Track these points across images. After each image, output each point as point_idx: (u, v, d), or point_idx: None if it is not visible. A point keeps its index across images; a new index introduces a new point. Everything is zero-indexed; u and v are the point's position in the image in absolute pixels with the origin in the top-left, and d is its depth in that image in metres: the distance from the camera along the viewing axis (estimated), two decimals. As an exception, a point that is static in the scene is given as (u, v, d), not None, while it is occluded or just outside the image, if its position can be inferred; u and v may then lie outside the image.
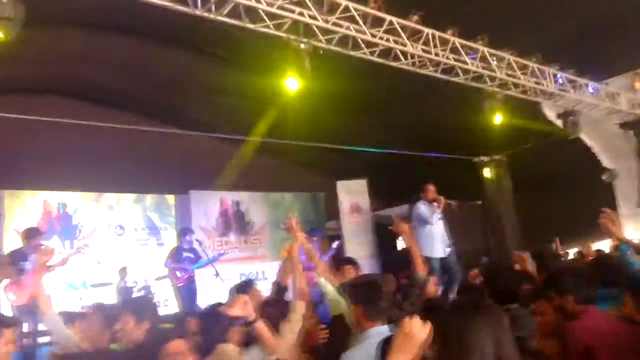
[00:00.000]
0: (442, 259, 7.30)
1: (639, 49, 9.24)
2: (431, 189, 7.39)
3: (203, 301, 9.21)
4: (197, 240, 9.74)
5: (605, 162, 11.99)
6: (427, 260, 6.79)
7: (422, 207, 7.35)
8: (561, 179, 11.45)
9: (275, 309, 3.57)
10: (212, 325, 3.49)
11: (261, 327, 3.05)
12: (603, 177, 11.83)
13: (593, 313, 2.92)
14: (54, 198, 10.52)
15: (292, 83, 6.41)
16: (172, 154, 10.65)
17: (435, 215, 7.29)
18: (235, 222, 12.10)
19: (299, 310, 3.40)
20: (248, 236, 12.24)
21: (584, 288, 3.01)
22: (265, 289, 11.62)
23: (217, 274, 9.35)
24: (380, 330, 2.82)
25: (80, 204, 10.87)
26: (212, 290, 9.64)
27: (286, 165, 13.17)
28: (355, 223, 12.24)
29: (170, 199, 11.92)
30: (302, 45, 6.10)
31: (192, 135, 10.18)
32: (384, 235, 13.17)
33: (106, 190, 11.15)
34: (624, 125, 10.85)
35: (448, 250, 7.38)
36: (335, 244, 11.11)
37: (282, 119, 8.88)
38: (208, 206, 11.85)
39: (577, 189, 11.89)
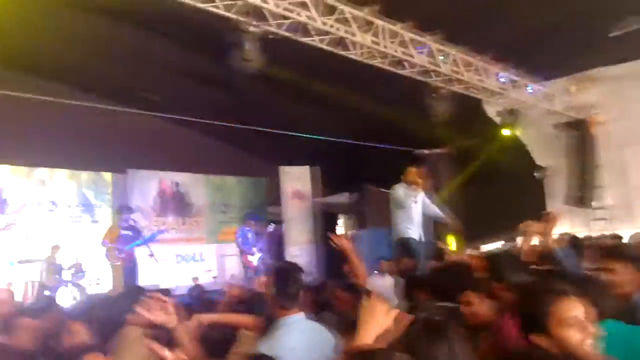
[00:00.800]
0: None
1: (576, 55, 9.65)
2: (412, 171, 7.05)
3: (140, 281, 9.05)
4: (133, 219, 9.51)
5: (538, 159, 12.53)
6: (406, 241, 6.80)
7: (398, 190, 6.96)
8: (497, 174, 11.85)
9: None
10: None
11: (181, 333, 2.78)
12: (535, 174, 12.37)
13: None
14: (-20, 170, 9.99)
15: (241, 65, 6.29)
16: (112, 130, 10.25)
17: (411, 199, 6.94)
18: (173, 203, 11.88)
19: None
20: (186, 218, 12.04)
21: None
22: (202, 270, 11.70)
23: (151, 254, 9.18)
24: (296, 319, 2.76)
25: (9, 178, 10.36)
26: (147, 270, 9.48)
27: (229, 148, 12.98)
28: (297, 209, 12.31)
29: (107, 176, 11.56)
30: (252, 28, 5.99)
31: (134, 113, 9.82)
32: (326, 222, 13.33)
33: (38, 165, 10.66)
34: (558, 126, 11.31)
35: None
36: (270, 227, 11.12)
37: (227, 102, 8.73)
38: (146, 186, 11.58)
39: (511, 184, 12.38)
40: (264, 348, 2.57)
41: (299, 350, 2.62)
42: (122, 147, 10.80)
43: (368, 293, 2.76)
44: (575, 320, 1.86)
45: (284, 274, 2.91)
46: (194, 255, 12.15)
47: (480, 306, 2.90)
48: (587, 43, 8.85)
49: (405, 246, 6.80)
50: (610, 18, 7.50)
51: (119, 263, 8.80)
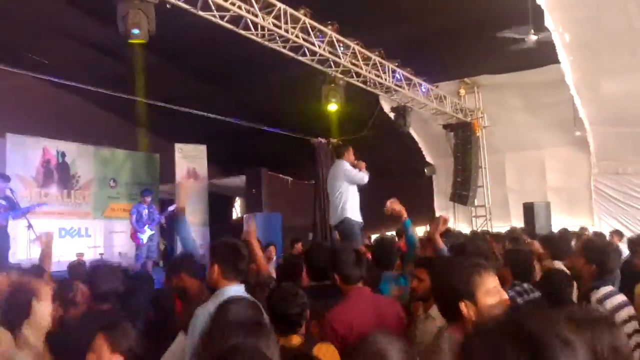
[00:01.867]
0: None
1: (466, 61, 10.28)
2: (351, 150, 6.79)
3: (14, 255, 8.48)
4: (11, 189, 8.85)
5: (428, 157, 13.24)
6: (353, 224, 6.50)
7: (350, 166, 6.59)
8: (389, 168, 12.34)
9: None
10: None
11: None
12: (425, 171, 13.06)
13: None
14: None
15: (134, 34, 6.07)
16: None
17: None
18: (58, 174, 11.18)
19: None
20: (72, 191, 11.40)
21: None
22: (86, 246, 11.16)
23: (29, 226, 8.62)
24: (236, 289, 2.91)
25: None
26: (24, 243, 8.90)
27: (121, 121, 12.44)
28: (190, 189, 12.03)
29: (-18, 140, 10.66)
30: (148, -4, 5.79)
31: (19, 74, 9.14)
32: (218, 204, 13.21)
33: None
34: (446, 127, 12.00)
35: None
36: (171, 207, 10.83)
37: (121, 73, 8.38)
38: (28, 153, 10.79)
39: (403, 179, 12.97)
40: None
41: None
42: (3, 109, 10.04)
43: None
44: (496, 289, 2.05)
45: (234, 249, 3.06)
46: (79, 230, 11.55)
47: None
48: (475, 50, 9.45)
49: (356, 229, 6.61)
50: (497, 29, 8.04)
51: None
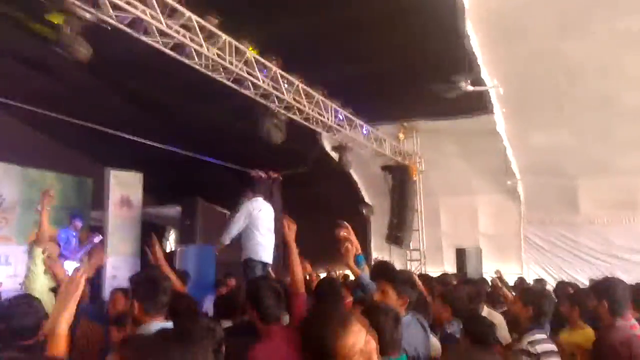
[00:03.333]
0: None
1: (405, 105, 10.60)
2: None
3: None
4: None
5: (366, 197, 13.40)
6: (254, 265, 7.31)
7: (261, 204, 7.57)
8: (327, 206, 12.40)
9: None
10: None
11: None
12: (362, 211, 13.18)
13: None
14: None
15: (67, 52, 5.89)
16: None
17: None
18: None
19: None
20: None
21: None
22: (6, 275, 10.47)
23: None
24: (161, 325, 2.80)
25: None
26: None
27: (52, 141, 11.93)
28: (122, 217, 11.58)
29: None
30: (89, 16, 5.65)
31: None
32: (150, 234, 12.73)
33: None
34: (385, 168, 12.23)
35: None
36: (96, 238, 10.33)
37: (54, 91, 8.09)
38: (-54, 170, 10.16)
39: (340, 217, 13.00)
40: None
41: None
42: None
43: None
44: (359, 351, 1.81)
45: (154, 283, 2.99)
46: (-1, 257, 10.85)
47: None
48: (413, 95, 9.78)
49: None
50: (435, 75, 8.36)
51: None
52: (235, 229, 7.38)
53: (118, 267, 11.14)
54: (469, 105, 9.52)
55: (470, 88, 8.43)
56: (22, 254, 11.06)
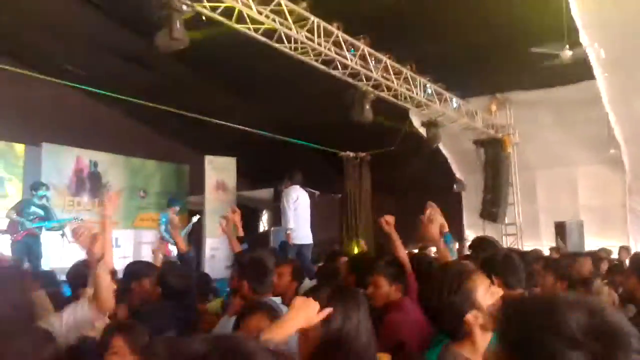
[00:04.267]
0: None
1: (498, 77, 10.19)
2: None
3: (47, 263, 8.64)
4: (47, 197, 9.03)
5: (458, 173, 13.09)
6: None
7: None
8: (417, 184, 12.25)
9: None
10: None
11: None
12: (454, 187, 12.90)
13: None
14: None
15: (163, 44, 6.17)
16: (28, 99, 9.74)
17: None
18: (90, 183, 11.39)
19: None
20: (102, 200, 11.57)
21: None
22: (117, 256, 11.28)
23: (63, 234, 8.80)
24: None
25: None
26: (56, 251, 9.06)
27: (152, 131, 12.64)
28: (219, 200, 12.12)
29: (20, 148, 10.91)
30: (185, 7, 5.87)
31: (54, 84, 9.35)
32: (246, 217, 13.23)
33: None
34: (477, 142, 11.86)
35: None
36: (194, 218, 10.87)
37: (153, 84, 8.54)
38: (62, 162, 11.04)
39: (431, 195, 12.81)
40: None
41: None
42: (38, 119, 10.28)
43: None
44: (489, 289, 2.00)
45: (262, 264, 3.17)
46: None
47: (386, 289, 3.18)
48: (507, 66, 9.37)
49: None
50: (531, 44, 7.95)
51: (19, 238, 8.28)
52: (290, 215, 8.05)
53: (216, 247, 11.72)
54: (567, 73, 8.98)
55: (569, 53, 7.94)
56: (128, 237, 11.92)
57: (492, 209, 11.67)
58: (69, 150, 11.13)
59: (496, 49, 8.73)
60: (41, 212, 8.62)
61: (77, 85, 8.94)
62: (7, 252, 9.24)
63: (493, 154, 11.70)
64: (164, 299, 3.59)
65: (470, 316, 1.88)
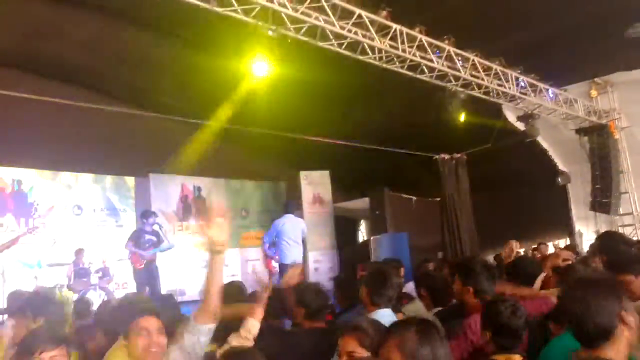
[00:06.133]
0: None
1: (596, 59, 9.58)
2: None
3: (164, 285, 9.19)
4: (159, 224, 9.62)
5: (560, 165, 12.41)
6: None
7: None
8: (517, 179, 11.78)
9: None
10: None
11: None
12: (558, 180, 12.24)
13: None
14: (7, 174, 10.27)
15: (259, 69, 6.45)
16: (133, 135, 10.49)
17: None
18: (195, 207, 12.03)
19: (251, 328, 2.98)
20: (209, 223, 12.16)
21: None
22: (226, 275, 11.79)
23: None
24: (383, 314, 2.98)
25: (37, 181, 10.64)
26: (171, 274, 9.63)
27: (248, 153, 13.11)
28: (316, 214, 12.33)
29: (130, 180, 11.78)
30: (270, 32, 6.09)
31: (154, 117, 10.01)
32: (343, 227, 13.35)
33: (64, 169, 10.93)
34: (579, 131, 11.18)
35: None
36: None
37: (246, 107, 8.86)
38: (168, 190, 11.77)
39: (533, 190, 12.27)
40: None
41: None
42: (144, 152, 11.01)
43: None
44: None
45: (384, 277, 3.20)
46: (219, 261, 12.27)
47: None
48: (605, 47, 8.81)
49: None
50: (627, 22, 7.44)
51: (141, 267, 8.89)
52: (269, 239, 8.72)
53: (319, 260, 11.91)
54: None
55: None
56: (234, 255, 12.44)
57: (603, 200, 10.94)
58: (174, 179, 11.84)
59: (589, 30, 8.23)
60: (153, 238, 9.19)
61: (177, 118, 9.43)
62: (131, 279, 10.01)
63: (598, 141, 10.98)
64: (308, 318, 3.59)
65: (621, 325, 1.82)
